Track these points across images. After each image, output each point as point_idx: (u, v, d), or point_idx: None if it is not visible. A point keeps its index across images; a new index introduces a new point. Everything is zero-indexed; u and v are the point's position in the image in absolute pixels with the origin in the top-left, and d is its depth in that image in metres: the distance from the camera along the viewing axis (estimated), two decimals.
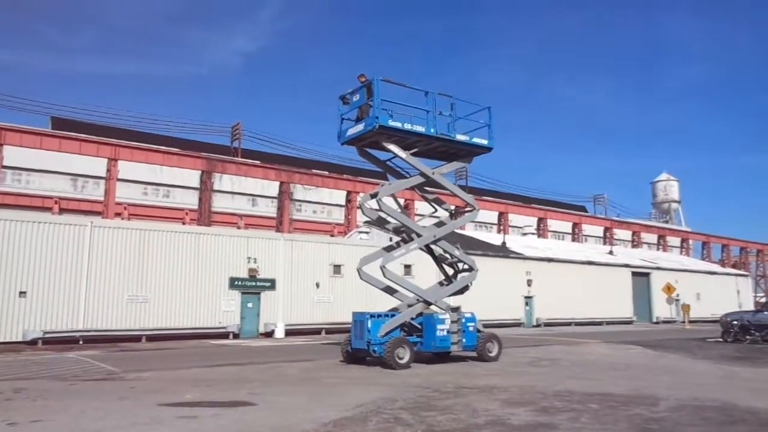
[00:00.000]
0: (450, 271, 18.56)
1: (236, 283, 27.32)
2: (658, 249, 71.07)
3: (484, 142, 17.98)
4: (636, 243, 70.57)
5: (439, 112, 17.11)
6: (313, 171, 47.10)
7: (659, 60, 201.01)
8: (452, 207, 19.60)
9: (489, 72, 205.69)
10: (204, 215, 40.33)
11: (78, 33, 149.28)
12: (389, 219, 17.77)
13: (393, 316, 16.11)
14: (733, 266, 70.48)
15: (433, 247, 18.13)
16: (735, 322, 25.57)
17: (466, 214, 19.02)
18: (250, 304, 27.64)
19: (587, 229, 66.36)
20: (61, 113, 46.99)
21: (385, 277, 16.38)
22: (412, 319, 16.37)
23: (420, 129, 16.66)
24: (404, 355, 14.92)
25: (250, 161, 45.54)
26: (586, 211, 77.22)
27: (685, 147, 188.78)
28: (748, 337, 24.41)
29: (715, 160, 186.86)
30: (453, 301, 18.42)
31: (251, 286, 27.79)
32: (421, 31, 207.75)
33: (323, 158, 53.26)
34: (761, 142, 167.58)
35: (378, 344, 15.09)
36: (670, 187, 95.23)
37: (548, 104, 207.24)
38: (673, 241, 75.92)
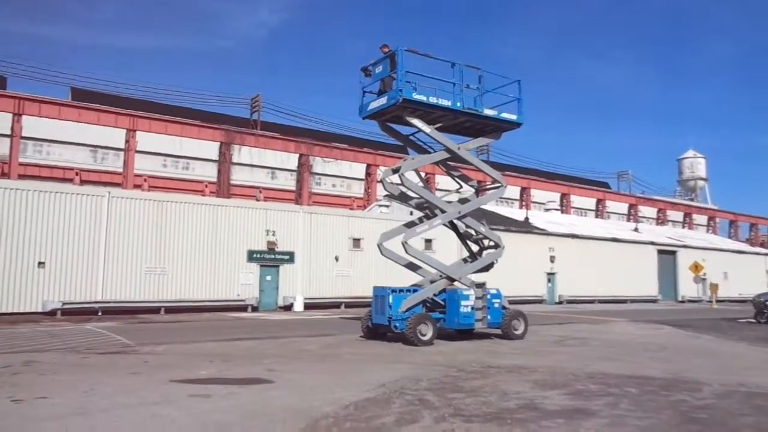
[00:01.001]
0: (475, 248, 17.93)
1: (255, 255, 26.98)
2: (683, 227, 69.53)
3: (514, 117, 17.13)
4: (661, 220, 69.10)
5: (466, 85, 16.33)
6: (333, 144, 46.35)
7: (685, 36, 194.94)
8: (475, 182, 18.89)
9: (510, 48, 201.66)
10: (223, 188, 40.06)
11: (100, 6, 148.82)
12: (411, 194, 17.11)
13: (415, 291, 15.57)
14: (762, 245, 68.73)
15: (457, 223, 17.48)
16: None
17: (493, 190, 18.21)
18: (268, 277, 27.34)
19: (611, 205, 65.07)
20: (81, 84, 46.64)
21: (407, 253, 15.84)
22: (435, 295, 15.82)
23: (446, 103, 15.89)
24: (427, 331, 14.42)
25: (269, 133, 44.93)
26: (609, 187, 75.63)
27: (711, 125, 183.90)
28: None
29: (741, 139, 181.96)
30: (477, 277, 17.81)
31: (270, 259, 27.45)
32: (441, 5, 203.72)
33: (343, 131, 52.36)
34: None
35: (400, 320, 14.59)
36: (696, 164, 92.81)
37: (570, 80, 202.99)
38: (700, 219, 74.24)
